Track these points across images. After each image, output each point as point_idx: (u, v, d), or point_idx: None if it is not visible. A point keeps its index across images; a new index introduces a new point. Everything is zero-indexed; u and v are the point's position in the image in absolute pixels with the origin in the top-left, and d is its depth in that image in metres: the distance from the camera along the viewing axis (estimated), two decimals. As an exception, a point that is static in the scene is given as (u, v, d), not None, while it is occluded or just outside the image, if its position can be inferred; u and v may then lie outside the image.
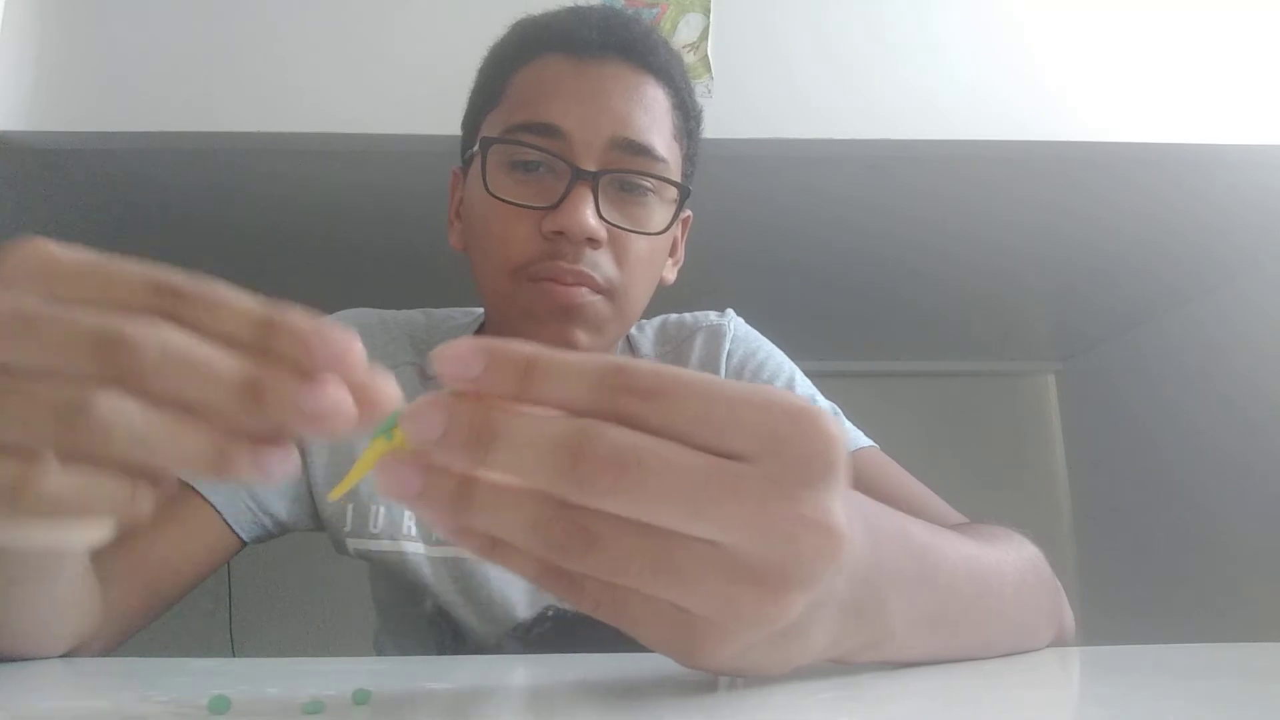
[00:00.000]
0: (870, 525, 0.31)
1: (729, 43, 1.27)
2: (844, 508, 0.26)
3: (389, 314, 0.76)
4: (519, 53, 0.67)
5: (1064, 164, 1.34)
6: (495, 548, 0.27)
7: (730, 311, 0.79)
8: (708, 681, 0.35)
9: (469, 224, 0.68)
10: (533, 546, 0.25)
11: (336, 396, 0.25)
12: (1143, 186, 1.40)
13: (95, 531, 0.26)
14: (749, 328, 0.79)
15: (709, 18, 1.26)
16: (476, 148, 0.66)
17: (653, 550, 0.25)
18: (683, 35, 1.26)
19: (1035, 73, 1.28)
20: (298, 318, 0.26)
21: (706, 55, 1.25)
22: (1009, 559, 0.43)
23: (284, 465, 0.26)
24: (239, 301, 0.26)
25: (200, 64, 1.24)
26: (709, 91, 1.25)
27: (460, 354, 0.25)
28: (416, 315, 0.77)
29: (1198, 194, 1.41)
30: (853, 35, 1.29)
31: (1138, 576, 2.11)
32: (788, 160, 1.32)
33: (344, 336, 0.25)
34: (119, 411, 0.24)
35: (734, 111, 1.25)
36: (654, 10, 1.26)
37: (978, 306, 2.03)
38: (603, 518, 0.25)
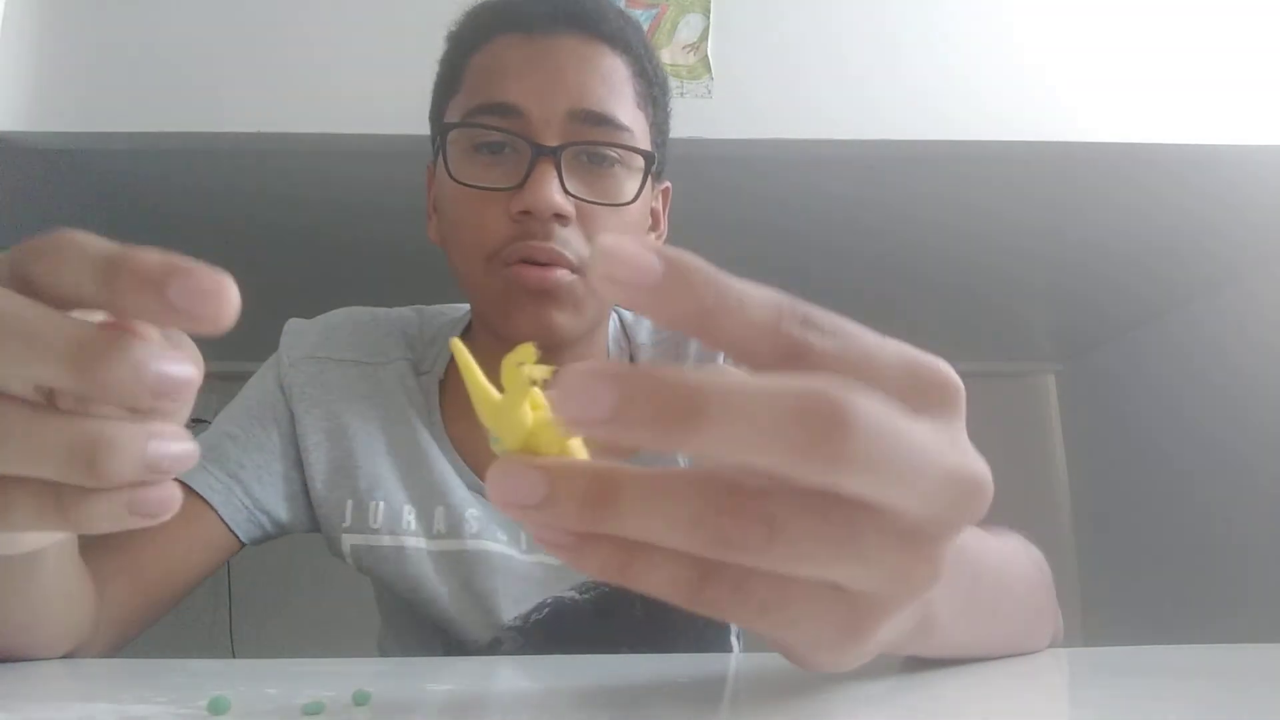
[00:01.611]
0: None
1: (729, 43, 1.27)
2: None
3: (381, 312, 0.76)
4: (473, 37, 0.66)
5: (1064, 164, 1.34)
6: (631, 565, 0.22)
7: None
8: (711, 686, 0.35)
9: (442, 215, 0.68)
10: (697, 545, 0.21)
11: (185, 370, 0.22)
12: (1143, 187, 1.40)
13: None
14: None
15: (709, 18, 1.26)
16: (439, 135, 0.65)
17: (836, 528, 0.21)
18: (683, 35, 1.26)
19: (1036, 73, 1.28)
20: (150, 256, 0.21)
21: (706, 55, 1.25)
22: (1021, 558, 0.43)
23: (162, 503, 0.24)
24: (81, 247, 0.22)
25: (200, 64, 1.24)
26: (709, 92, 1.25)
27: (638, 253, 0.20)
28: (409, 312, 0.77)
29: (1198, 194, 1.41)
30: (853, 35, 1.29)
31: (1137, 577, 2.11)
32: (787, 160, 1.32)
33: (211, 274, 0.21)
34: None
35: (734, 111, 1.25)
36: (654, 10, 1.26)
37: (978, 307, 2.03)
38: (784, 501, 0.21)
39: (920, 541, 0.23)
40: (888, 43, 1.29)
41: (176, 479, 0.24)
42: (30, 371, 0.22)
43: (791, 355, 0.22)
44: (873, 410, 0.20)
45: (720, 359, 0.74)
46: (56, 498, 0.23)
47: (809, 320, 0.22)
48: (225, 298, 0.21)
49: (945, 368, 0.24)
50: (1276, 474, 1.61)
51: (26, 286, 0.23)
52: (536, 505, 0.20)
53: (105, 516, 0.24)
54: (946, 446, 0.22)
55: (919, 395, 0.23)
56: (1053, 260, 1.73)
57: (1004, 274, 1.81)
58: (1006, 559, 0.40)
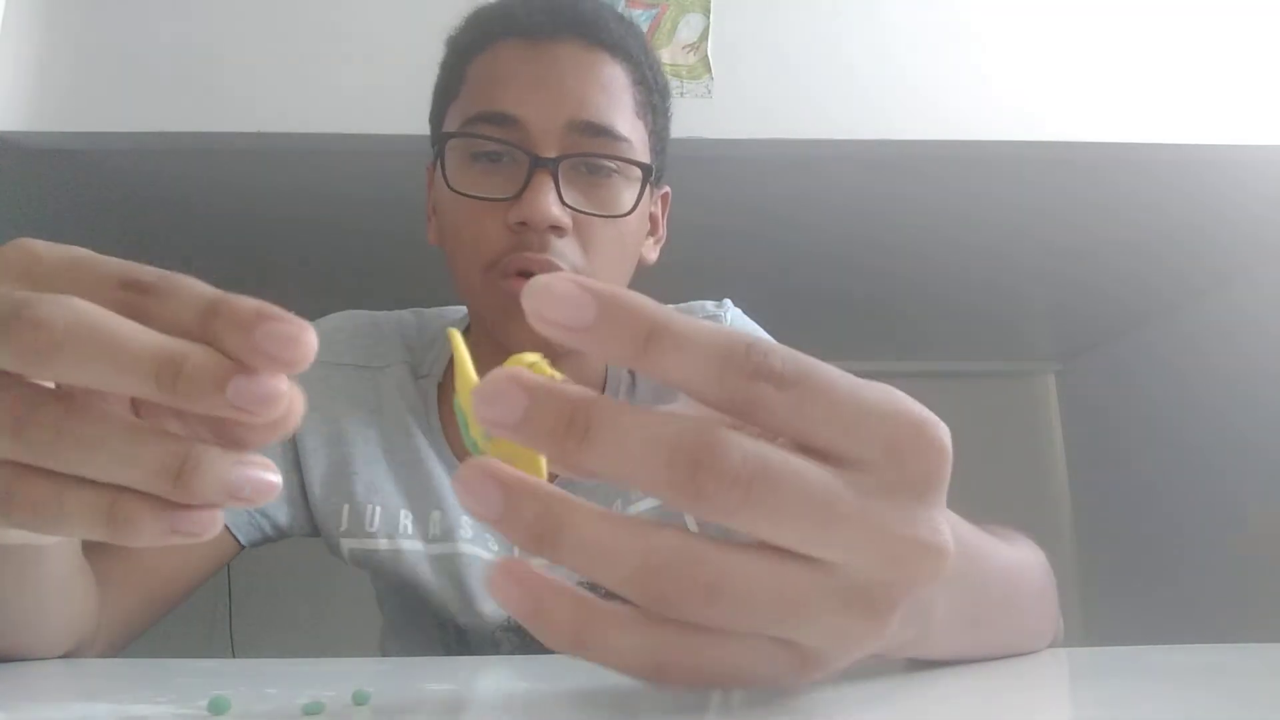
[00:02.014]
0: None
1: (729, 43, 1.27)
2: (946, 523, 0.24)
3: (380, 315, 0.76)
4: (472, 42, 0.66)
5: (1065, 164, 1.34)
6: (587, 628, 0.22)
7: (728, 301, 0.78)
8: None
9: (440, 220, 0.68)
10: (639, 597, 0.21)
11: (269, 386, 0.22)
12: (1143, 187, 1.40)
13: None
14: (746, 318, 0.78)
15: (709, 18, 1.26)
16: (437, 143, 0.65)
17: (776, 587, 0.22)
18: (683, 35, 1.26)
19: (1036, 73, 1.28)
20: (245, 302, 0.23)
21: (706, 55, 1.25)
22: (1027, 562, 0.43)
23: (205, 526, 0.24)
24: (191, 288, 0.23)
25: (200, 64, 1.24)
26: (709, 92, 1.25)
27: (566, 292, 0.21)
28: (407, 315, 0.77)
29: (1198, 195, 1.41)
30: (852, 35, 1.29)
31: (1137, 576, 2.11)
32: (787, 160, 1.32)
33: (295, 323, 0.22)
34: (28, 402, 0.22)
35: (734, 111, 1.25)
36: (654, 10, 1.26)
37: (978, 306, 2.04)
38: (727, 567, 0.21)
39: (864, 602, 0.23)
40: (887, 42, 1.29)
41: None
42: (115, 383, 0.22)
43: (740, 404, 0.22)
44: (750, 457, 0.21)
45: None
46: (111, 505, 0.24)
47: (762, 370, 0.21)
48: (304, 343, 0.22)
49: (930, 430, 0.23)
50: (1276, 474, 1.61)
51: (131, 311, 0.23)
52: (492, 520, 0.21)
53: (151, 532, 0.24)
54: (882, 506, 0.22)
55: (891, 457, 0.23)
56: (1053, 260, 1.73)
57: (1004, 274, 1.81)
58: (1013, 565, 0.40)
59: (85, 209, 1.47)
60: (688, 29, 1.26)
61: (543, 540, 0.21)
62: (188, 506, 0.24)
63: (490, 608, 0.67)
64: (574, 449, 0.20)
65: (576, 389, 0.21)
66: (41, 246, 0.25)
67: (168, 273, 0.24)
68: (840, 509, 0.22)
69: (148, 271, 0.24)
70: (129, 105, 1.22)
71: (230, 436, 0.25)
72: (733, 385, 0.21)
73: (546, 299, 0.21)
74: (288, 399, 0.23)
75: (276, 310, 0.23)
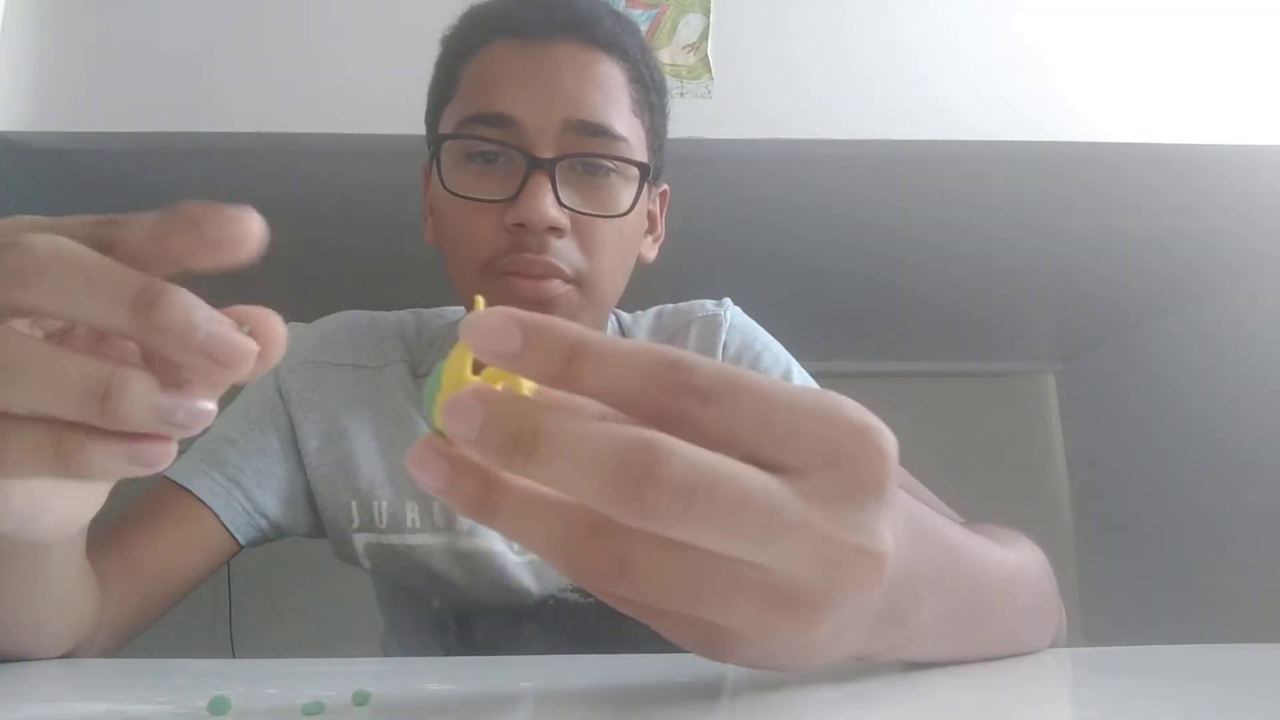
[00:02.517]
0: (914, 529, 0.30)
1: (729, 43, 1.27)
2: (891, 522, 0.25)
3: (379, 315, 0.76)
4: (468, 42, 0.66)
5: (1065, 164, 1.34)
6: (522, 520, 0.24)
7: (727, 301, 0.78)
8: (711, 687, 0.35)
9: (437, 220, 0.68)
10: (558, 565, 0.23)
11: (243, 342, 0.24)
12: (1143, 187, 1.40)
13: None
14: (746, 317, 0.77)
15: (709, 18, 1.26)
16: (433, 144, 0.65)
17: (691, 576, 0.23)
18: (683, 35, 1.26)
19: (1036, 73, 1.28)
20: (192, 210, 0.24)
21: (706, 55, 1.25)
22: (1026, 563, 0.43)
23: (156, 455, 0.24)
24: (144, 219, 0.25)
25: (200, 64, 1.24)
26: (709, 92, 1.25)
27: (495, 324, 0.22)
28: (406, 315, 0.77)
29: (1198, 194, 1.41)
30: (853, 35, 1.29)
31: (1137, 576, 2.11)
32: (787, 160, 1.32)
33: (242, 214, 0.24)
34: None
35: (734, 111, 1.25)
36: (654, 10, 1.26)
37: (978, 307, 2.04)
38: (638, 543, 0.22)
39: (790, 602, 0.24)
40: (888, 42, 1.29)
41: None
42: (92, 309, 0.23)
43: (667, 420, 0.22)
44: (694, 462, 0.21)
45: (719, 342, 0.74)
46: (56, 442, 0.24)
47: (685, 387, 0.22)
48: (248, 223, 0.25)
49: (871, 434, 0.24)
50: (1276, 473, 1.61)
51: (100, 246, 0.25)
52: (440, 492, 0.23)
53: (103, 464, 0.24)
54: (820, 512, 0.23)
55: (830, 463, 0.23)
56: (1053, 260, 1.73)
57: (1004, 274, 1.81)
58: (1008, 566, 0.40)
59: (85, 209, 1.47)
60: (688, 29, 1.26)
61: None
62: (138, 436, 0.24)
63: (500, 595, 0.67)
64: (521, 462, 0.22)
65: (532, 403, 0.22)
66: (25, 218, 0.26)
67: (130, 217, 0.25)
68: (783, 518, 0.22)
69: (113, 217, 0.25)
70: (129, 105, 1.22)
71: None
72: (656, 401, 0.22)
73: (478, 331, 0.22)
74: (253, 352, 0.24)
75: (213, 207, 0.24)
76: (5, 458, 0.24)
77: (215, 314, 0.24)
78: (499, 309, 0.23)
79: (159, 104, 1.23)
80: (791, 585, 0.23)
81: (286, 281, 1.84)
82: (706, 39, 1.26)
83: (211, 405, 0.25)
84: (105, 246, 0.25)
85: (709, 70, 1.25)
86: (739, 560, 0.23)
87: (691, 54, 1.26)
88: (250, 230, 0.25)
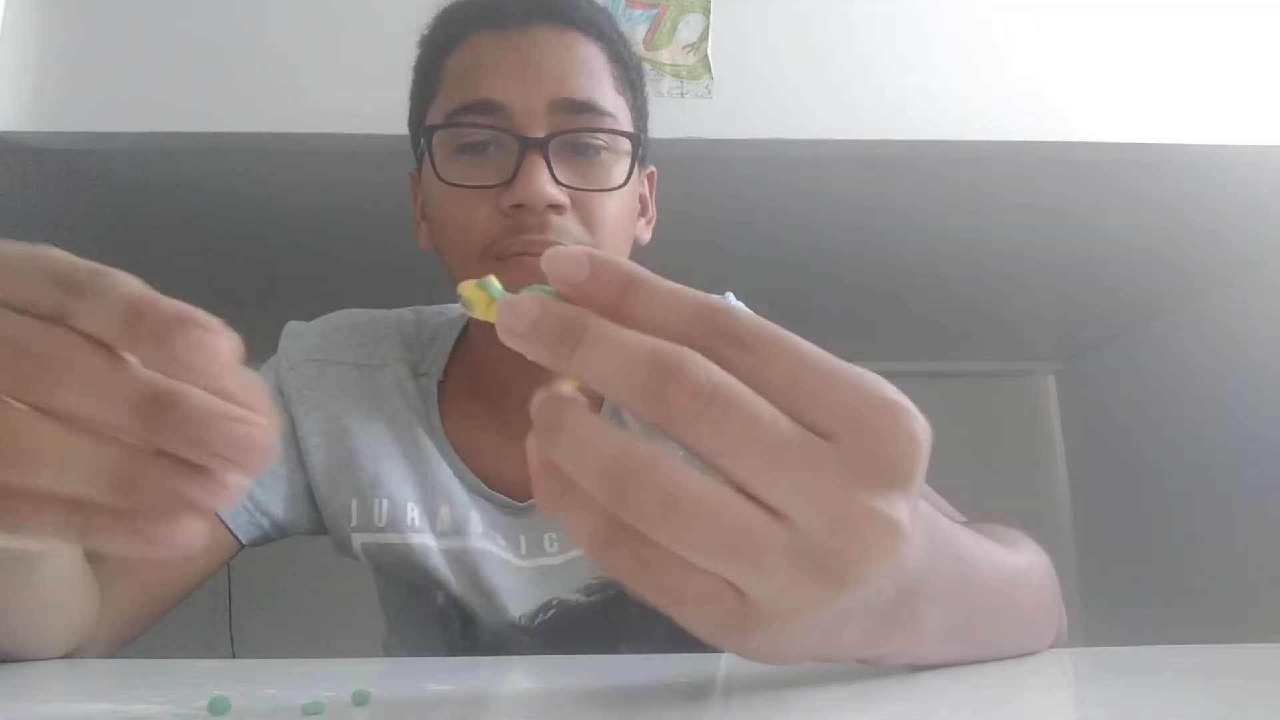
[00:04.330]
0: (931, 538, 0.30)
1: (729, 43, 1.27)
2: (912, 508, 0.25)
3: (379, 313, 0.76)
4: (446, 38, 0.66)
5: (1065, 166, 1.34)
6: (564, 497, 0.26)
7: (730, 295, 0.78)
8: (710, 687, 0.35)
9: (431, 219, 0.68)
10: (610, 502, 0.24)
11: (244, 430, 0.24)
12: (1143, 188, 1.40)
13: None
14: (748, 310, 0.78)
15: (709, 18, 1.26)
16: (422, 139, 0.65)
17: (730, 525, 0.23)
18: (683, 35, 1.26)
19: (1036, 73, 1.28)
20: (163, 314, 0.23)
21: (706, 55, 1.25)
22: (1032, 566, 0.43)
23: (186, 536, 0.24)
24: (116, 299, 0.24)
25: (200, 64, 1.24)
26: (709, 92, 1.25)
27: (571, 255, 0.25)
28: (407, 314, 0.77)
29: (1197, 195, 1.41)
30: (853, 36, 1.29)
31: (1137, 577, 2.11)
32: (787, 160, 1.32)
33: (211, 330, 0.24)
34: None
35: (734, 111, 1.25)
36: (654, 10, 1.26)
37: (978, 307, 2.04)
38: (685, 480, 0.23)
39: (814, 564, 0.24)
40: (888, 43, 1.29)
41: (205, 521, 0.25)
42: (103, 417, 0.24)
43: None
44: (714, 376, 0.23)
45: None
46: (83, 520, 0.24)
47: (725, 332, 0.24)
48: (219, 343, 0.24)
49: (903, 415, 0.24)
50: (1275, 473, 1.61)
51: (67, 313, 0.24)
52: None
53: (125, 544, 0.25)
54: (836, 470, 0.23)
55: (857, 433, 0.24)
56: (1053, 261, 1.73)
57: (1004, 274, 1.81)
58: (1014, 570, 0.40)
59: (85, 209, 1.47)
60: (688, 29, 1.26)
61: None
62: (161, 518, 0.24)
63: (500, 602, 0.67)
64: (566, 354, 0.24)
65: (582, 309, 0.25)
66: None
67: (96, 270, 0.24)
68: (790, 453, 0.23)
69: (76, 270, 0.24)
70: (129, 105, 1.22)
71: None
72: (697, 340, 0.24)
73: (557, 260, 0.25)
74: (270, 443, 0.25)
75: (197, 326, 0.23)
76: (32, 529, 0.25)
77: (230, 411, 0.24)
78: (580, 248, 0.25)
79: (159, 104, 1.22)
80: (813, 546, 0.24)
81: (286, 281, 1.84)
82: (706, 39, 1.26)
83: (241, 480, 0.25)
84: (67, 314, 0.24)
85: (709, 70, 1.25)
86: (771, 515, 0.24)
87: (691, 54, 1.26)
88: (221, 350, 0.24)
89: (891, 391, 0.24)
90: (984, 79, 1.27)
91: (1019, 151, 1.29)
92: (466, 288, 0.28)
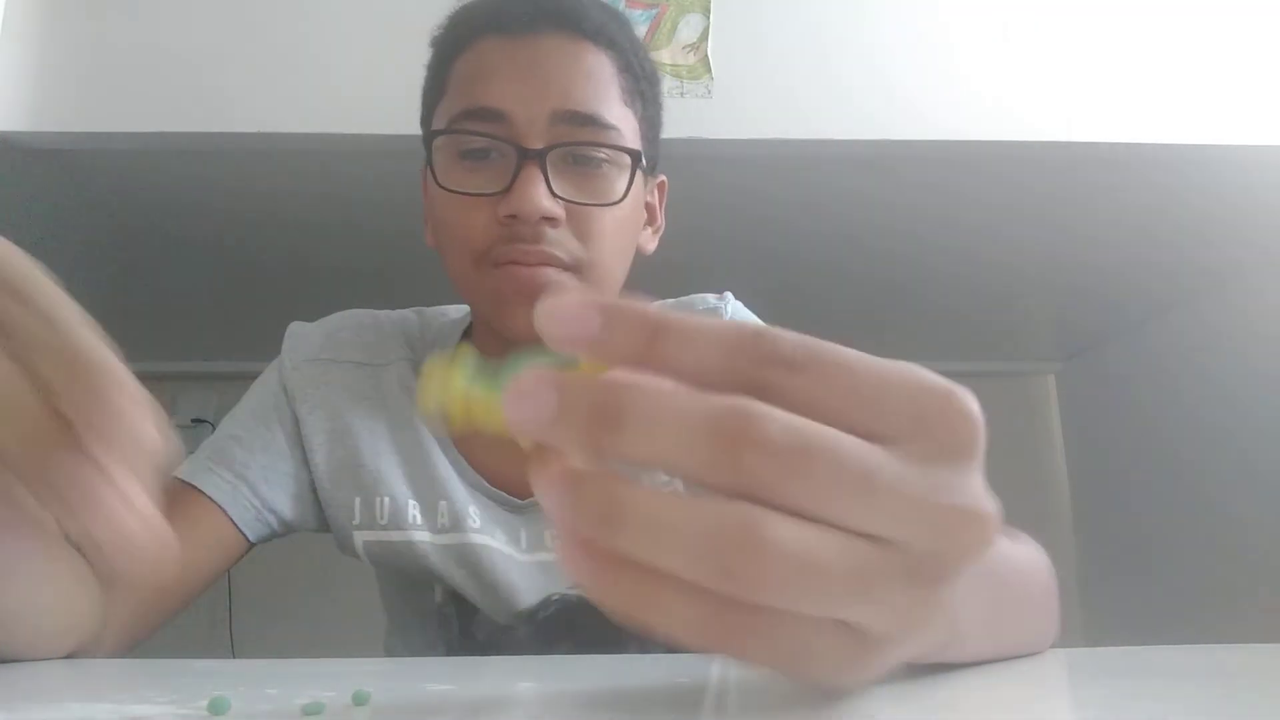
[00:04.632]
0: None
1: (729, 43, 1.27)
2: (987, 492, 0.24)
3: (383, 314, 0.77)
4: (455, 41, 0.66)
5: (1064, 164, 1.34)
6: (645, 596, 0.22)
7: (729, 294, 0.78)
8: (706, 684, 0.35)
9: (432, 220, 0.68)
10: (714, 581, 0.21)
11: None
12: (1143, 187, 1.40)
13: None
14: (746, 311, 0.78)
15: (709, 18, 1.26)
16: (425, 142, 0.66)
17: (844, 570, 0.21)
18: (683, 35, 1.26)
19: (1036, 74, 1.28)
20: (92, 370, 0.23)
21: (706, 55, 1.25)
22: (1036, 562, 0.43)
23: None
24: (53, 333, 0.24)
25: (200, 64, 1.24)
26: (709, 92, 1.25)
27: (572, 309, 0.21)
28: (410, 314, 0.78)
29: (1197, 194, 1.41)
30: (855, 35, 1.29)
31: (1138, 577, 2.11)
32: (788, 161, 1.32)
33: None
34: None
35: (734, 111, 1.25)
36: (654, 10, 1.26)
37: (978, 307, 2.04)
38: (793, 549, 0.21)
39: (923, 577, 0.23)
40: (889, 44, 1.29)
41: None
42: None
43: (754, 392, 0.22)
44: (787, 423, 0.21)
45: None
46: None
47: (771, 356, 0.22)
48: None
49: (958, 398, 0.23)
50: (1276, 473, 1.61)
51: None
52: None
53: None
54: (917, 475, 0.22)
55: (920, 428, 0.23)
56: (1052, 260, 1.73)
57: (1004, 274, 1.81)
58: (1023, 565, 0.40)
59: (85, 209, 1.47)
60: (688, 29, 1.26)
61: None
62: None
63: (502, 596, 0.67)
64: (609, 438, 0.21)
65: (606, 379, 0.21)
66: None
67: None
68: (881, 478, 0.21)
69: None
70: (129, 105, 1.22)
71: None
72: (744, 373, 0.22)
73: (554, 319, 0.21)
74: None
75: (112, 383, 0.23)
76: None
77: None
78: (569, 295, 0.22)
79: (159, 104, 1.23)
80: (918, 559, 0.23)
81: (286, 281, 1.84)
82: (706, 39, 1.26)
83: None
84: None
85: (709, 70, 1.25)
86: (876, 544, 0.22)
87: (691, 54, 1.26)
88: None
89: (940, 379, 0.23)
90: (983, 80, 1.27)
91: (1019, 152, 1.29)
92: (431, 396, 0.24)
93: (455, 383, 0.24)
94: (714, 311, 0.76)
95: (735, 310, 0.76)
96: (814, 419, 0.22)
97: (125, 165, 1.34)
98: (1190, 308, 1.89)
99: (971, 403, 0.23)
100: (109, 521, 0.24)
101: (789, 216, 1.53)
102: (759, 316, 0.78)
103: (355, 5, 1.27)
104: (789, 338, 0.22)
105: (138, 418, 0.24)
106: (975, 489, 0.23)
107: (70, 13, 1.25)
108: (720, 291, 0.78)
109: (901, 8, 1.30)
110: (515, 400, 0.21)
